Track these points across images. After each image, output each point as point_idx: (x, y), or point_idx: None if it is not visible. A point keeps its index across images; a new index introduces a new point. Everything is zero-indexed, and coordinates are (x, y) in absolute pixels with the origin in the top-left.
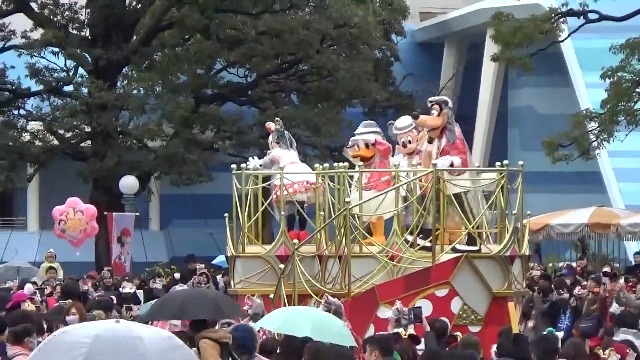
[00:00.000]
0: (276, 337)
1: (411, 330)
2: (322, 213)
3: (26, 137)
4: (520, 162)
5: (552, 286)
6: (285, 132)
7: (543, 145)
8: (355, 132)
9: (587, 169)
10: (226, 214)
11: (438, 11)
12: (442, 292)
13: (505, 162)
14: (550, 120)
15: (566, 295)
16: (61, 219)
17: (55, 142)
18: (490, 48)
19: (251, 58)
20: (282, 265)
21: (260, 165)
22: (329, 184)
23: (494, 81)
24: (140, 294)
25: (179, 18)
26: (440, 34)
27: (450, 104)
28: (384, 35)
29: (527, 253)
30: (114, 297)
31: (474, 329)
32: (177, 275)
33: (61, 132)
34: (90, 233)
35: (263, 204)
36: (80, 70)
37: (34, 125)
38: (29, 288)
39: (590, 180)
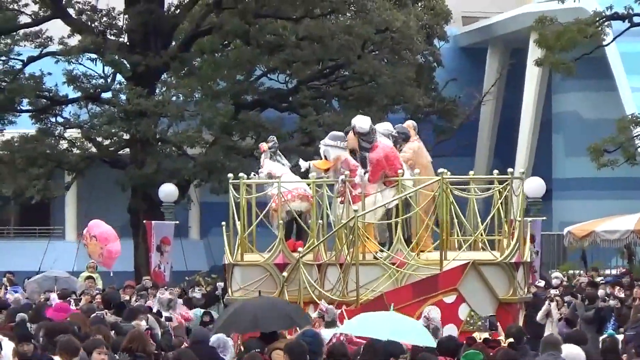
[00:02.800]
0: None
1: (485, 335)
2: (320, 221)
3: (64, 144)
4: (521, 170)
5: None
6: (278, 150)
7: (588, 150)
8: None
9: (633, 175)
10: (223, 223)
11: (481, 15)
12: (450, 299)
13: (510, 170)
14: (595, 125)
15: (612, 302)
16: (83, 242)
17: (94, 149)
18: (534, 52)
19: (292, 64)
20: (285, 274)
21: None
22: (326, 193)
23: (538, 86)
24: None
25: (218, 23)
26: (483, 38)
27: (360, 129)
28: (426, 40)
29: (528, 260)
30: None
31: (481, 335)
32: (220, 285)
33: (99, 139)
34: (108, 257)
35: (258, 215)
36: (119, 77)
37: (72, 132)
38: (54, 299)
39: (637, 186)
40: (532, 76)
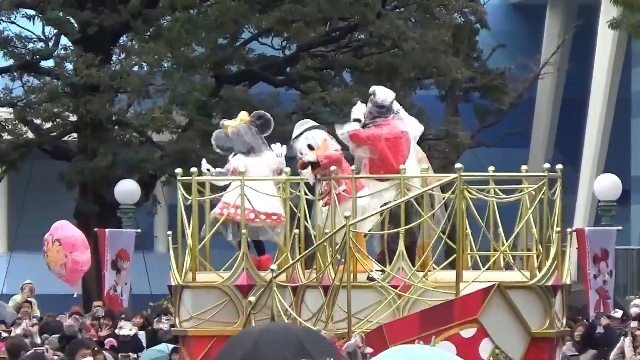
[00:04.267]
0: None
1: None
2: (296, 231)
3: None
4: (559, 166)
5: None
6: (265, 130)
7: None
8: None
9: None
10: (169, 233)
11: None
12: (468, 333)
13: (546, 165)
14: None
15: None
16: (44, 250)
17: (30, 135)
18: (608, 11)
19: (290, 24)
20: (252, 298)
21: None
22: (305, 194)
23: (612, 56)
24: (142, 336)
25: None
26: None
27: (353, 114)
28: None
29: (568, 282)
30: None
31: None
32: None
33: (37, 121)
34: (74, 269)
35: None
36: (64, 40)
37: (2, 112)
38: None
39: None
40: (605, 43)
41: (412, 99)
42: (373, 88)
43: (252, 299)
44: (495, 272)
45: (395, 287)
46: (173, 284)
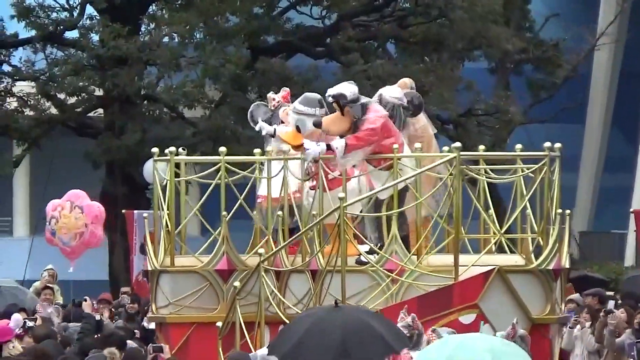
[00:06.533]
0: None
1: None
2: (280, 213)
3: (12, 103)
4: (557, 145)
5: None
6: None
7: None
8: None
9: None
10: (145, 214)
11: None
12: (467, 319)
13: (547, 144)
14: None
15: None
16: (53, 215)
17: (54, 110)
18: None
19: None
20: (237, 284)
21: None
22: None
23: None
24: None
25: None
26: None
27: (349, 96)
28: None
29: (567, 266)
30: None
31: None
32: None
33: (61, 96)
34: (89, 242)
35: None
36: (89, 9)
37: (23, 86)
38: (16, 320)
39: None
40: None
41: (460, 71)
42: (331, 91)
43: (237, 284)
44: (490, 255)
45: (389, 271)
46: (150, 268)
